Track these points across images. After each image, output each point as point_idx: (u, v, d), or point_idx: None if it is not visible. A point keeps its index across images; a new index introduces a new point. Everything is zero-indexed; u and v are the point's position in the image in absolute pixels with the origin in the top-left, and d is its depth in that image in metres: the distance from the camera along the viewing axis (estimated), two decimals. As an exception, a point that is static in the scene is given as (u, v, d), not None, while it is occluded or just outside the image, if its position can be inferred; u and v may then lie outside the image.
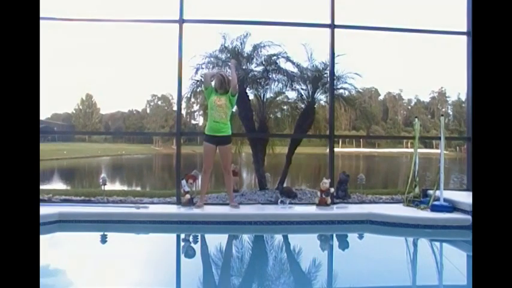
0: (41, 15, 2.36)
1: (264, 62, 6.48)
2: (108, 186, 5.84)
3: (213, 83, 4.97)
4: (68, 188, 11.52)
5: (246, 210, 4.88)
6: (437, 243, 4.43)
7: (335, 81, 6.15)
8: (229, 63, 5.19)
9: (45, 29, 4.64)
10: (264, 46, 6.43)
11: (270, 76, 6.51)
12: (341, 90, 6.93)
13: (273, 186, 6.53)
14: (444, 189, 4.87)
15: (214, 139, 4.82)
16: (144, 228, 4.54)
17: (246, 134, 6.63)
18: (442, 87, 51.26)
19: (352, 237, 4.73)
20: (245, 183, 8.58)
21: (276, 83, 6.57)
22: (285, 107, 7.54)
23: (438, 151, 5.14)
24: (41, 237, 1.99)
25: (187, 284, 3.05)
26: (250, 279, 3.20)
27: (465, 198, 4.75)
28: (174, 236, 4.72)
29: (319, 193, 5.04)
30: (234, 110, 5.15)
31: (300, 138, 6.90)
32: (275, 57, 6.47)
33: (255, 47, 6.46)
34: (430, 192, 5.07)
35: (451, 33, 6.10)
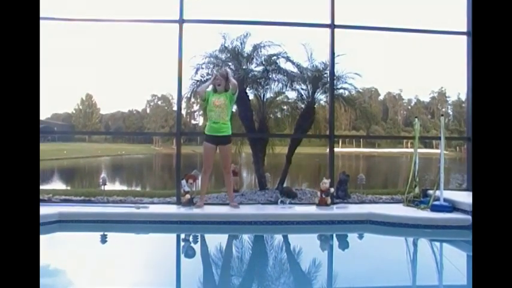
0: (41, 15, 2.36)
1: (264, 62, 6.47)
2: (108, 186, 5.84)
3: (210, 87, 4.95)
4: (68, 188, 11.52)
5: (246, 210, 4.88)
6: (437, 243, 4.43)
7: (335, 81, 6.15)
8: (224, 70, 5.15)
9: (46, 29, 4.64)
10: (264, 46, 6.43)
11: (270, 76, 6.50)
12: (341, 90, 6.93)
13: (273, 186, 6.52)
14: (444, 189, 4.87)
15: (214, 139, 4.82)
16: (144, 228, 4.54)
17: (246, 134, 6.62)
18: (442, 87, 51.33)
19: (352, 237, 4.73)
20: (245, 183, 8.58)
21: (276, 83, 6.57)
22: (285, 107, 7.54)
23: (438, 151, 5.14)
24: (41, 237, 1.99)
25: (187, 284, 3.05)
26: (250, 280, 3.20)
27: (465, 198, 4.76)
28: (174, 236, 4.72)
29: (319, 193, 5.04)
30: (233, 110, 5.14)
31: (300, 138, 6.90)
32: (275, 57, 6.47)
33: (255, 47, 6.45)
34: (430, 192, 5.07)
35: (451, 33, 6.09)
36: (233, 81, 4.83)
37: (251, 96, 6.68)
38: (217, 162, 4.97)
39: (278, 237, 4.48)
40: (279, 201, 5.19)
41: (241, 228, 4.58)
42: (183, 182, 4.95)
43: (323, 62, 6.53)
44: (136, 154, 36.12)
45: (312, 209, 4.93)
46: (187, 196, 4.92)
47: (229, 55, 6.53)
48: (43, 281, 1.88)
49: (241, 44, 6.45)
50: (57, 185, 11.99)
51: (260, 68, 6.51)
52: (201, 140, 5.17)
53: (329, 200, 4.99)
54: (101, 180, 5.58)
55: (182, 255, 3.88)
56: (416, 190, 5.30)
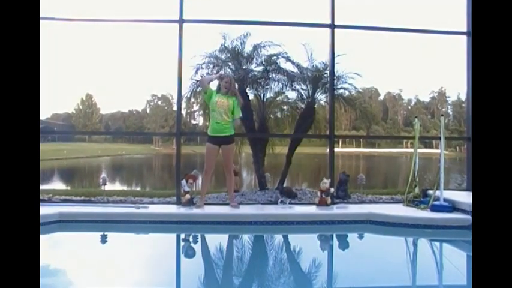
0: (41, 15, 2.37)
1: (264, 62, 6.48)
2: (108, 186, 5.84)
3: (211, 84, 4.98)
4: (68, 188, 11.52)
5: (246, 210, 4.88)
6: (437, 243, 4.43)
7: (335, 81, 6.15)
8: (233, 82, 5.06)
9: (46, 29, 4.64)
10: (264, 46, 6.43)
11: (270, 76, 6.51)
12: (341, 90, 6.93)
13: (273, 186, 6.53)
14: (444, 189, 4.86)
15: (217, 140, 4.81)
16: (144, 228, 4.54)
17: (246, 134, 6.63)
18: (442, 87, 51.30)
19: (352, 237, 4.73)
20: (245, 183, 8.58)
21: (276, 83, 6.58)
22: (285, 107, 7.55)
23: (438, 151, 5.14)
24: (41, 237, 1.99)
25: (187, 284, 3.05)
26: (250, 280, 3.20)
27: (465, 198, 4.76)
28: (174, 236, 4.72)
29: (319, 193, 5.04)
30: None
31: (300, 138, 6.90)
32: (275, 57, 6.47)
33: (255, 47, 6.46)
34: (430, 192, 5.07)
35: (451, 33, 6.10)
36: (240, 97, 4.94)
37: (251, 96, 6.69)
38: (218, 161, 4.97)
39: (278, 237, 4.48)
40: (279, 201, 5.19)
41: (241, 228, 4.58)
42: (183, 182, 4.95)
43: (323, 62, 6.53)
44: (136, 154, 36.09)
45: (312, 209, 4.93)
46: (187, 196, 4.92)
47: (229, 55, 6.54)
48: (43, 281, 1.88)
49: (241, 44, 6.45)
50: (57, 185, 11.99)
51: (260, 68, 6.52)
52: (201, 140, 5.19)
53: (329, 200, 4.99)
54: (101, 180, 5.58)
55: (182, 255, 3.88)
56: (416, 190, 5.30)
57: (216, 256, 3.76)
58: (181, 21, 5.28)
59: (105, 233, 4.40)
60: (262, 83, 6.58)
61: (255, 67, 6.53)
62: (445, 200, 4.78)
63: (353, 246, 4.36)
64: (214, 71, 6.38)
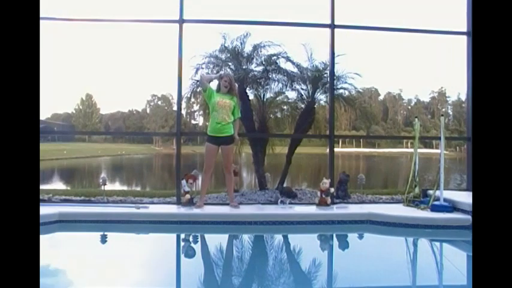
0: (41, 15, 2.37)
1: (264, 62, 6.48)
2: (108, 186, 5.84)
3: (212, 84, 4.98)
4: (68, 188, 11.52)
5: (246, 210, 4.88)
6: (437, 243, 4.42)
7: (335, 81, 6.15)
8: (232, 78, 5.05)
9: (46, 29, 4.65)
10: (264, 46, 6.43)
11: (270, 76, 6.51)
12: (341, 90, 6.93)
13: (273, 186, 6.53)
14: (444, 189, 4.86)
15: (217, 140, 4.81)
16: (144, 228, 4.54)
17: (246, 134, 6.63)
18: (442, 87, 51.30)
19: (352, 237, 4.73)
20: (245, 183, 8.58)
21: (276, 83, 6.58)
22: (285, 107, 7.54)
23: (438, 151, 5.14)
24: (41, 237, 1.99)
25: (187, 284, 3.05)
26: (250, 280, 3.20)
27: (465, 198, 4.76)
28: (174, 236, 4.72)
29: (319, 193, 5.03)
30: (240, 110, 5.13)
31: (300, 138, 6.90)
32: (275, 57, 6.47)
33: (255, 47, 6.46)
34: (430, 192, 5.07)
35: (451, 33, 6.10)
36: (238, 98, 4.93)
37: (251, 96, 6.69)
38: (218, 162, 4.97)
39: (278, 237, 4.48)
40: (279, 201, 5.19)
41: (241, 228, 4.58)
42: (183, 182, 4.95)
43: (323, 62, 6.53)
44: (137, 154, 36.09)
45: (312, 209, 4.93)
46: (187, 196, 4.92)
47: (229, 55, 6.53)
48: (43, 281, 1.88)
49: (241, 44, 6.45)
50: (57, 185, 11.99)
51: (260, 68, 6.52)
52: (201, 140, 5.20)
53: (329, 200, 4.98)
54: (101, 180, 5.58)
55: (182, 255, 3.88)
56: (417, 190, 5.30)
57: (216, 256, 3.76)
58: (181, 21, 5.28)
59: (105, 233, 4.40)
60: (262, 83, 6.58)
61: (255, 67, 6.53)
62: (445, 200, 4.78)
63: (353, 246, 4.36)
64: (215, 71, 6.38)
